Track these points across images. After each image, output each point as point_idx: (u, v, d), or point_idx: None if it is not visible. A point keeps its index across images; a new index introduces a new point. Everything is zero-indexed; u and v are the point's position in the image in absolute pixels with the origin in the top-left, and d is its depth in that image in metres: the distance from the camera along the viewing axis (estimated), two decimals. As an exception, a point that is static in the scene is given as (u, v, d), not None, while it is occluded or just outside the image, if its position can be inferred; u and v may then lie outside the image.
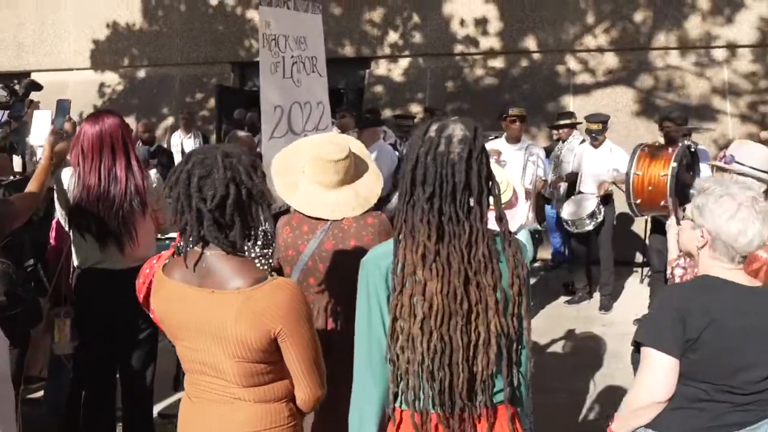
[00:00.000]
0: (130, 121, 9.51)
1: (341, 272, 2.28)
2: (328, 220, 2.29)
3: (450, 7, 8.33)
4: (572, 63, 8.13)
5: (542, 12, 8.09)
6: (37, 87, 3.20)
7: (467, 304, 1.55)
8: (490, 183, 1.59)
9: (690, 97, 7.73)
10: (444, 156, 1.54)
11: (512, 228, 1.87)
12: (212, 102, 8.96)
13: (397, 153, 5.98)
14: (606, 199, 5.63)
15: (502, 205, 1.65)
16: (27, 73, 10.13)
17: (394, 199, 4.97)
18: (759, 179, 2.52)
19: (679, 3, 7.78)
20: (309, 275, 2.37)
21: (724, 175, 2.60)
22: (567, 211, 5.67)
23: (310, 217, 2.27)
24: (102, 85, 9.72)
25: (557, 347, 4.92)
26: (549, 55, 8.18)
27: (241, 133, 4.90)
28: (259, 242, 2.56)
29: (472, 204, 1.57)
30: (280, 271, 2.46)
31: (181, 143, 7.92)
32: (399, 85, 8.55)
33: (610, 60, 8.05)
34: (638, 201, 4.31)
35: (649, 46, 7.90)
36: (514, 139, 5.35)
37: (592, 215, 5.55)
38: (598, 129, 5.66)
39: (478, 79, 8.32)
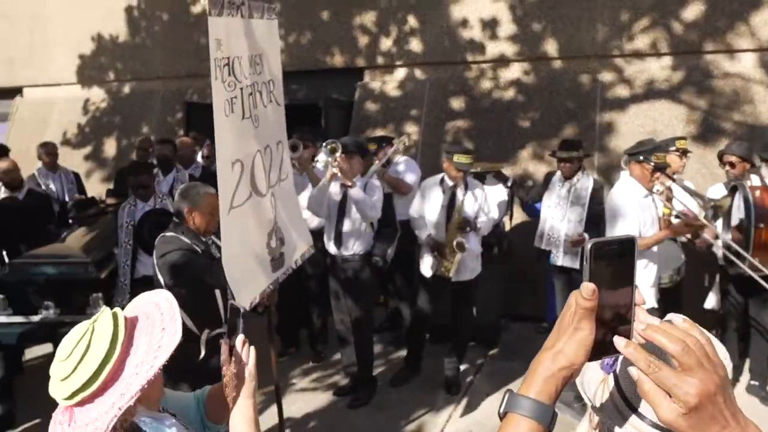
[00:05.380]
0: (111, 140, 8.80)
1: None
2: None
3: (458, 9, 7.05)
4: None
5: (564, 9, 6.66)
6: None
7: None
8: None
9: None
10: None
11: None
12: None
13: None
14: None
15: None
16: (18, 89, 9.70)
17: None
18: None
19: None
20: None
21: None
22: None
23: None
24: (87, 101, 9.06)
25: None
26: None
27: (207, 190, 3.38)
28: None
29: None
30: None
31: (46, 184, 6.13)
32: (393, 100, 7.30)
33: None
34: None
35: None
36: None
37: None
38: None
39: (486, 91, 6.95)
